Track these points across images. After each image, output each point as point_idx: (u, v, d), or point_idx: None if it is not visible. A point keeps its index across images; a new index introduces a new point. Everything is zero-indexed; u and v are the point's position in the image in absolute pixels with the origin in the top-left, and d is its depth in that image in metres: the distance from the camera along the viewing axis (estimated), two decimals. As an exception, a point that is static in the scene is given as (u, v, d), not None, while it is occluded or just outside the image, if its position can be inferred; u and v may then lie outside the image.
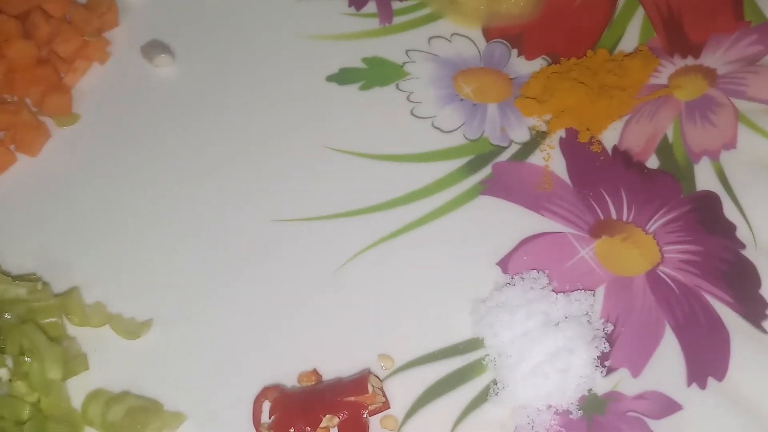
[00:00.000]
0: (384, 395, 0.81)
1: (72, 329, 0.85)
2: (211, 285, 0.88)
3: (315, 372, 0.82)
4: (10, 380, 0.79)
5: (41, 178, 0.94)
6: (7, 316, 0.82)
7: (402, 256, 0.89)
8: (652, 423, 0.79)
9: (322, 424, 0.78)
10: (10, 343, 0.80)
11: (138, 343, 0.84)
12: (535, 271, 0.87)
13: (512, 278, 0.86)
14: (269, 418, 0.80)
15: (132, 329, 0.85)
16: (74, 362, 0.82)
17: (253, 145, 0.96)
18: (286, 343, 0.84)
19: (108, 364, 0.84)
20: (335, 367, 0.83)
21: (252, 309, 0.86)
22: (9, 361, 0.80)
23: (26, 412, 0.78)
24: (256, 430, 0.79)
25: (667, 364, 0.82)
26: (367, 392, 0.79)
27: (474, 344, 0.84)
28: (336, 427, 0.79)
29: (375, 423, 0.80)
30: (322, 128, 0.97)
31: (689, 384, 0.81)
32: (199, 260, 0.89)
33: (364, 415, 0.79)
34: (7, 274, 0.87)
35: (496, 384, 0.82)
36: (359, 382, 0.80)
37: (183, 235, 0.90)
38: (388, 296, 0.87)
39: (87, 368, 0.83)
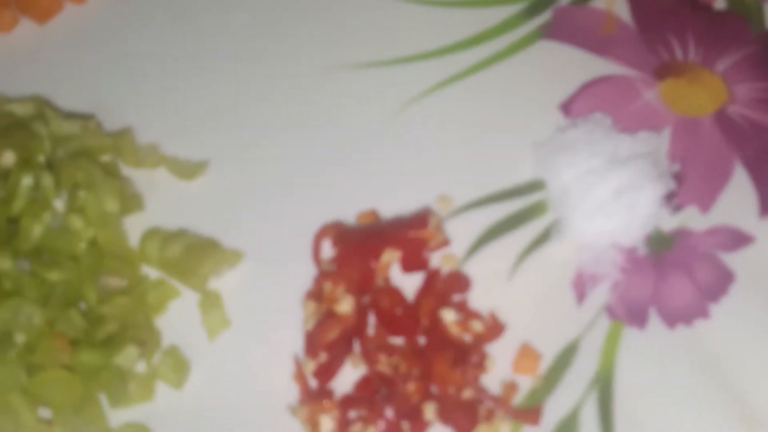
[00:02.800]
0: (444, 233, 0.79)
1: (125, 171, 0.83)
2: (268, 127, 0.85)
3: (374, 212, 0.81)
4: (65, 214, 0.77)
5: (90, 23, 0.92)
6: (60, 152, 0.80)
7: (461, 101, 0.86)
8: (723, 256, 0.77)
9: (384, 259, 0.77)
10: (65, 177, 0.77)
11: (193, 185, 0.83)
12: (598, 113, 0.84)
13: (575, 121, 0.84)
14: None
15: (188, 170, 0.83)
16: (130, 200, 0.80)
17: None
18: (344, 186, 0.82)
19: (163, 206, 0.82)
20: (394, 208, 0.81)
21: (309, 152, 0.84)
22: (64, 196, 0.78)
23: (82, 246, 0.76)
24: (317, 265, 0.78)
25: (737, 199, 0.80)
26: (427, 228, 0.77)
27: (535, 186, 0.82)
28: (398, 262, 0.77)
29: (435, 260, 0.78)
30: (375, -25, 0.94)
31: (762, 216, 0.79)
32: (255, 103, 0.87)
33: (425, 251, 0.77)
34: (60, 113, 0.85)
35: (559, 223, 0.79)
36: (420, 218, 0.78)
37: (238, 78, 0.88)
38: (447, 140, 0.84)
39: (142, 208, 0.81)
